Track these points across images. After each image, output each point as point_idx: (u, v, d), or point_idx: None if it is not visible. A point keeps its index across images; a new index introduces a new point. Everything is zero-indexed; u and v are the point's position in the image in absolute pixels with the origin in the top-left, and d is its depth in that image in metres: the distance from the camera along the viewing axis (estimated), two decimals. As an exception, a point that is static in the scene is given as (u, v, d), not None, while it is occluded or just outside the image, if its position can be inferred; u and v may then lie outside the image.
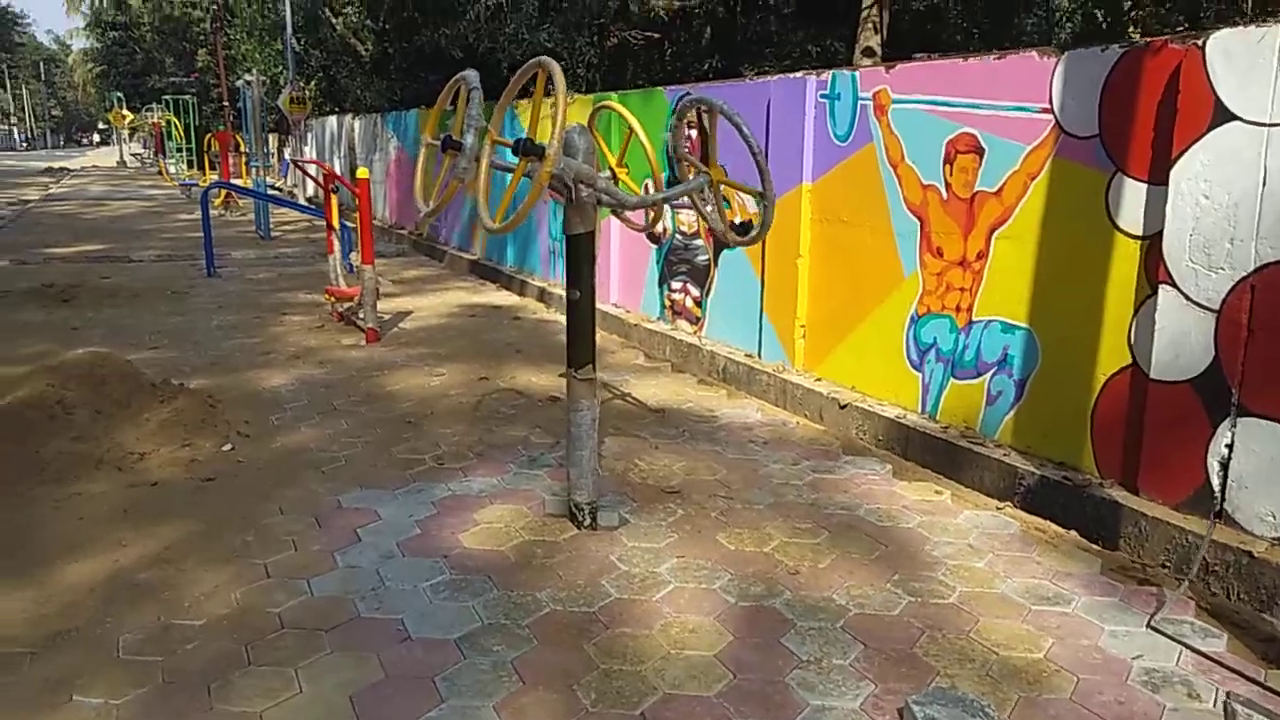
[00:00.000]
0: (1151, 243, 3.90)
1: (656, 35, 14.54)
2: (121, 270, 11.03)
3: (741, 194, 5.74)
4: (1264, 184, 3.45)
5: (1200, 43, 3.62)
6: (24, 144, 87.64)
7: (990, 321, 4.71)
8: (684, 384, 6.39)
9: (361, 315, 7.59)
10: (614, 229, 8.05)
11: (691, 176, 4.12)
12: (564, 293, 9.20)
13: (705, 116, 3.87)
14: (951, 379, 4.95)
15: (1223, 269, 3.60)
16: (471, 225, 11.92)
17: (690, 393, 6.17)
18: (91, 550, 3.68)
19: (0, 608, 3.23)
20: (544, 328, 8.22)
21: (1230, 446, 3.60)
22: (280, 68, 22.52)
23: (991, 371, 4.71)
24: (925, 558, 3.68)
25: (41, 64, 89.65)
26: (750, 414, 5.70)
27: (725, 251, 6.74)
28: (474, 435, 5.13)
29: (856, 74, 5.51)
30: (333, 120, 19.65)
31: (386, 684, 2.80)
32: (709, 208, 4.14)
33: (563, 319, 8.35)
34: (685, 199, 4.11)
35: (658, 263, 7.63)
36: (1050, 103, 4.31)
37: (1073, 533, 3.94)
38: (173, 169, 30.71)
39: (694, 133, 6.73)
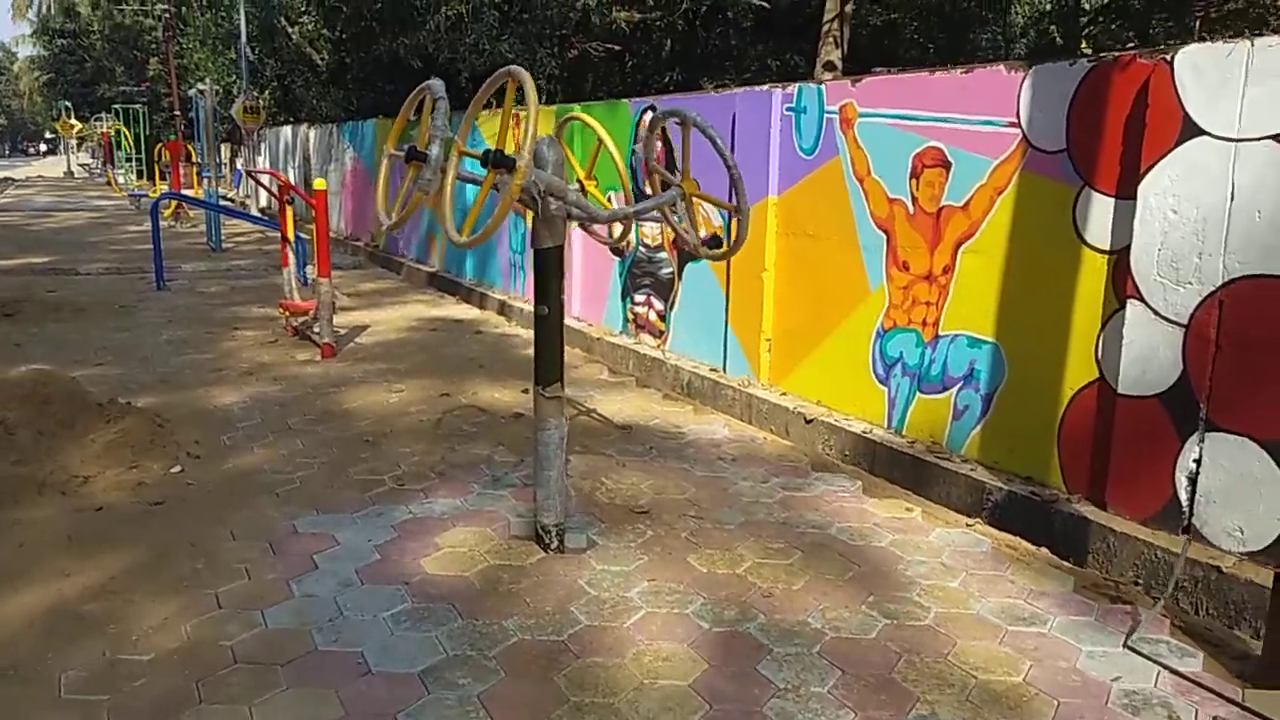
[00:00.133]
0: (1119, 257, 3.90)
1: (617, 48, 14.53)
2: (68, 284, 10.70)
3: (706, 206, 5.69)
4: (1232, 199, 3.46)
5: (1169, 58, 3.62)
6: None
7: (956, 336, 4.69)
8: (649, 399, 6.31)
9: (317, 330, 7.40)
10: (576, 240, 7.96)
11: (663, 189, 4.04)
12: (525, 306, 9.03)
13: (677, 130, 3.80)
14: (918, 393, 4.92)
15: (1191, 284, 3.60)
16: (429, 236, 11.75)
17: (656, 408, 6.09)
18: (32, 580, 3.49)
19: (-69, 644, 3.05)
20: (506, 342, 8.10)
21: (1198, 461, 3.59)
22: (234, 77, 22.17)
23: (958, 386, 4.69)
24: (899, 578, 3.63)
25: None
26: (717, 430, 5.63)
27: (690, 264, 6.69)
28: (435, 454, 5.00)
29: (822, 87, 5.48)
30: (287, 130, 19.36)
31: (346, 721, 2.67)
32: (681, 222, 4.06)
33: (525, 333, 8.29)
34: (653, 212, 4.03)
35: (621, 275, 7.55)
36: (1017, 117, 4.31)
37: (1044, 550, 3.92)
38: (122, 179, 30.11)
39: (658, 145, 6.70)
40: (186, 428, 5.29)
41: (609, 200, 7.10)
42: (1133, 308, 3.80)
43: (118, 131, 31.27)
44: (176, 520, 4.07)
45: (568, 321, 7.90)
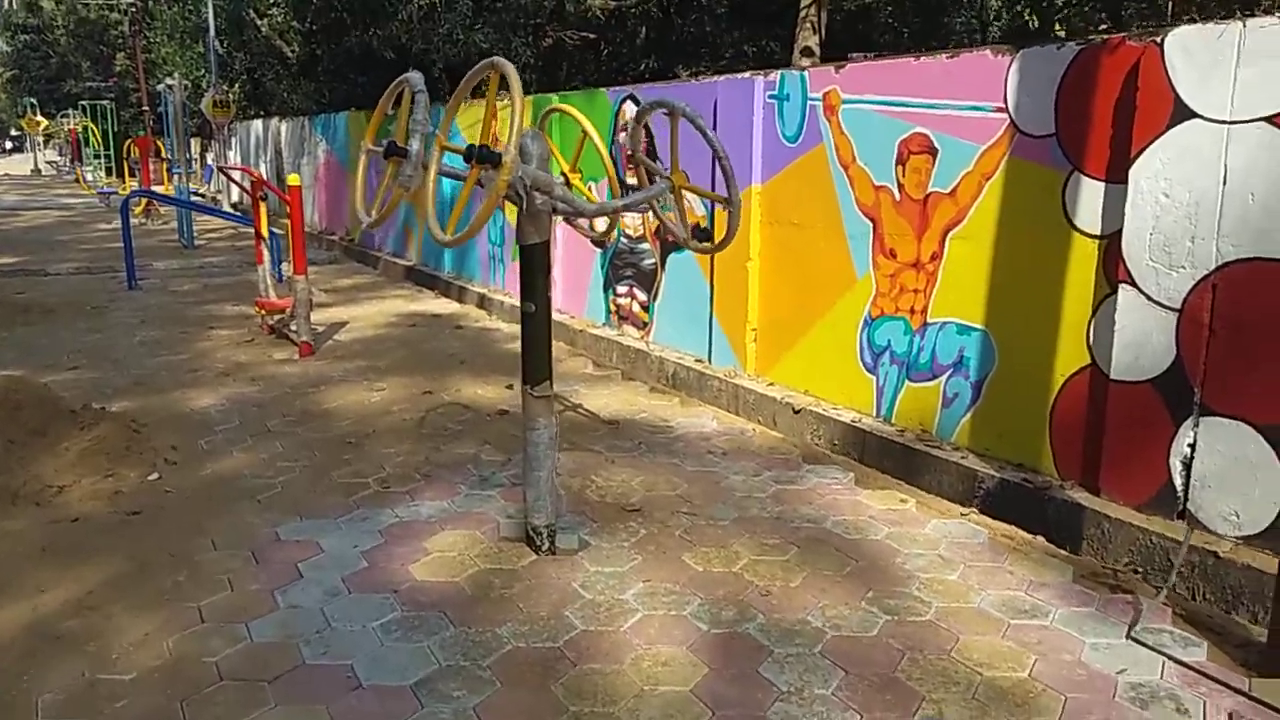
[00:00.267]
0: (1110, 242, 3.86)
1: (592, 36, 14.38)
2: (37, 285, 10.48)
3: (689, 197, 5.61)
4: (1225, 182, 3.42)
5: (1159, 40, 3.57)
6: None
7: (945, 323, 4.65)
8: (635, 392, 6.23)
9: (294, 328, 7.27)
10: (557, 231, 7.85)
11: (649, 181, 3.96)
12: (506, 298, 8.93)
13: (659, 120, 3.71)
14: (907, 381, 4.88)
15: (1184, 268, 3.57)
16: (406, 230, 11.60)
17: (643, 401, 6.01)
18: (6, 596, 3.37)
19: (-98, 668, 2.94)
20: (487, 336, 7.99)
21: (1193, 446, 3.57)
22: (203, 71, 21.84)
23: (947, 373, 4.65)
24: (897, 571, 3.58)
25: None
26: (706, 422, 5.56)
27: (673, 255, 6.61)
28: (420, 454, 4.90)
29: (805, 74, 5.41)
30: (258, 124, 19.09)
31: (338, 737, 2.59)
32: (670, 214, 3.98)
33: (506, 327, 8.19)
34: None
35: (602, 267, 7.46)
36: (1005, 101, 4.26)
37: (1040, 539, 3.89)
38: (90, 177, 29.62)
39: (623, 135, 6.60)
40: (163, 432, 5.16)
41: (589, 189, 7.01)
42: (1124, 293, 3.76)
43: (85, 128, 30.77)
44: (155, 530, 3.95)
45: (549, 314, 7.82)
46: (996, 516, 4.10)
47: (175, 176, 15.86)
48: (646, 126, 6.29)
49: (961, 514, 4.17)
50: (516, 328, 7.02)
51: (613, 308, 7.38)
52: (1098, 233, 3.91)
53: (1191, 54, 3.47)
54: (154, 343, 7.55)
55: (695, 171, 4.77)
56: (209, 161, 24.36)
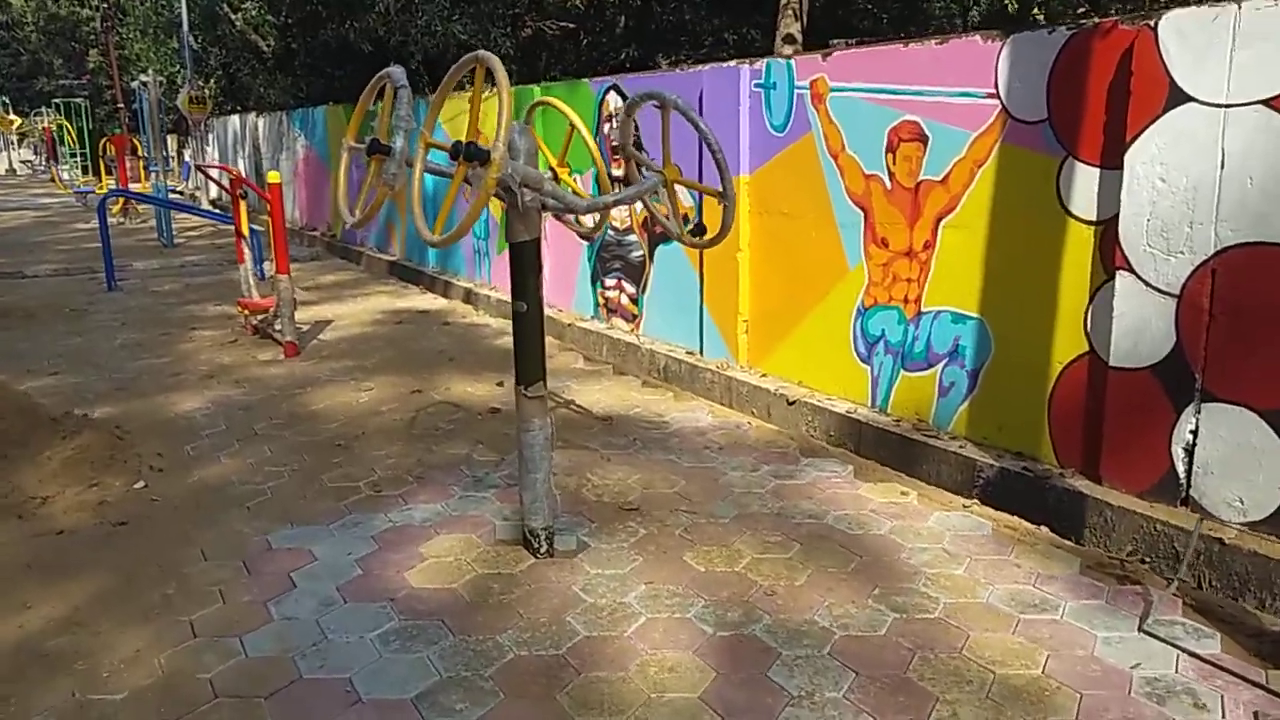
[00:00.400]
0: (1106, 228, 3.82)
1: (572, 25, 14.25)
2: (14, 287, 10.31)
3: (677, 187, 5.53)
4: (1222, 166, 3.38)
5: (1152, 23, 3.52)
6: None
7: (940, 312, 4.60)
8: (627, 387, 6.16)
9: (278, 327, 7.15)
10: (544, 226, 7.77)
11: (639, 173, 3.88)
12: (492, 293, 8.83)
13: (647, 112, 3.63)
14: (902, 371, 4.84)
15: (1182, 253, 3.53)
16: (389, 225, 11.47)
17: (635, 396, 5.95)
18: (-10, 615, 3.29)
19: (-116, 693, 2.85)
20: (475, 332, 7.90)
21: (1195, 432, 3.54)
22: (178, 66, 21.56)
23: (943, 363, 4.61)
24: (903, 567, 3.53)
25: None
26: (700, 416, 5.50)
27: (661, 247, 6.54)
28: (411, 456, 4.82)
29: (792, 62, 5.34)
30: (235, 120, 18.86)
31: (338, 755, 2.52)
32: (662, 207, 3.91)
33: (494, 322, 8.10)
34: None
35: (590, 260, 7.39)
36: (996, 87, 4.20)
37: (1044, 529, 3.85)
38: (66, 176, 29.26)
39: (608, 126, 6.53)
40: (148, 439, 5.06)
41: (575, 180, 6.93)
42: (1122, 279, 3.72)
43: (60, 126, 30.35)
44: (143, 541, 3.86)
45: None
46: (998, 506, 4.07)
47: (153, 174, 15.62)
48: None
49: (964, 505, 4.13)
50: (505, 323, 6.93)
51: (601, 301, 7.30)
52: (1093, 219, 3.87)
53: (1186, 37, 3.43)
54: (135, 345, 7.42)
55: (680, 159, 4.71)
56: (186, 159, 24.07)
